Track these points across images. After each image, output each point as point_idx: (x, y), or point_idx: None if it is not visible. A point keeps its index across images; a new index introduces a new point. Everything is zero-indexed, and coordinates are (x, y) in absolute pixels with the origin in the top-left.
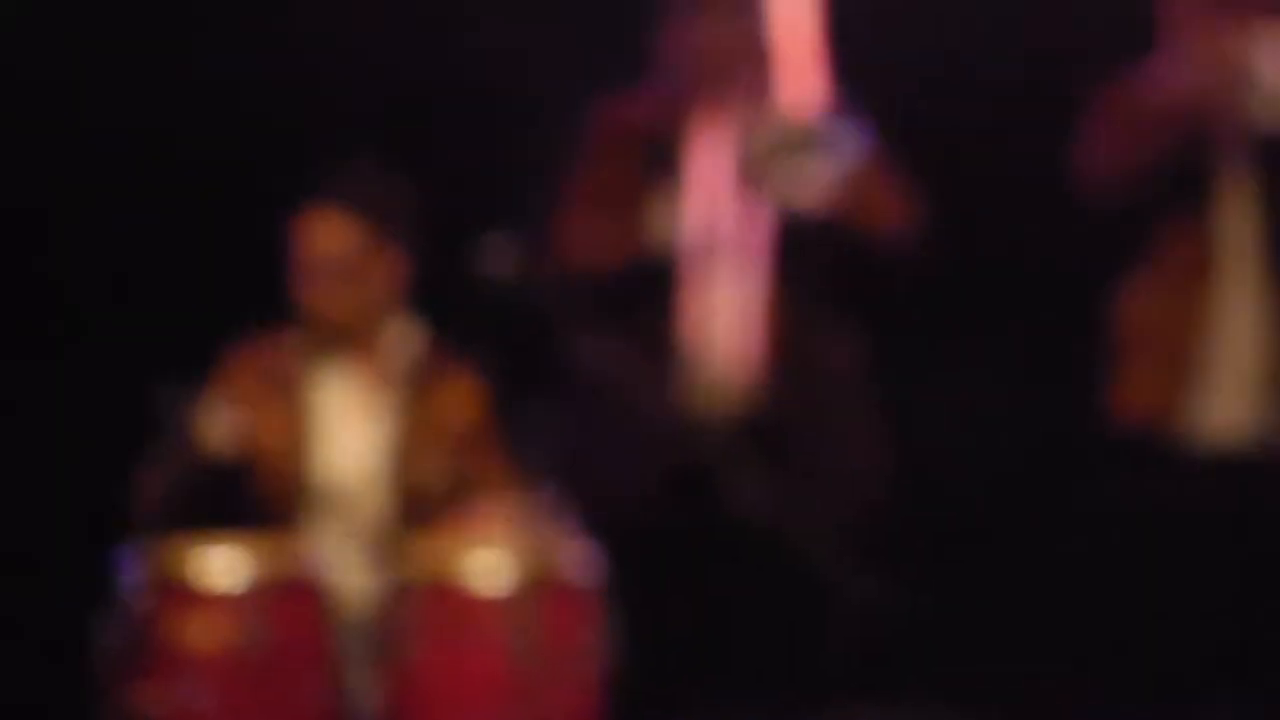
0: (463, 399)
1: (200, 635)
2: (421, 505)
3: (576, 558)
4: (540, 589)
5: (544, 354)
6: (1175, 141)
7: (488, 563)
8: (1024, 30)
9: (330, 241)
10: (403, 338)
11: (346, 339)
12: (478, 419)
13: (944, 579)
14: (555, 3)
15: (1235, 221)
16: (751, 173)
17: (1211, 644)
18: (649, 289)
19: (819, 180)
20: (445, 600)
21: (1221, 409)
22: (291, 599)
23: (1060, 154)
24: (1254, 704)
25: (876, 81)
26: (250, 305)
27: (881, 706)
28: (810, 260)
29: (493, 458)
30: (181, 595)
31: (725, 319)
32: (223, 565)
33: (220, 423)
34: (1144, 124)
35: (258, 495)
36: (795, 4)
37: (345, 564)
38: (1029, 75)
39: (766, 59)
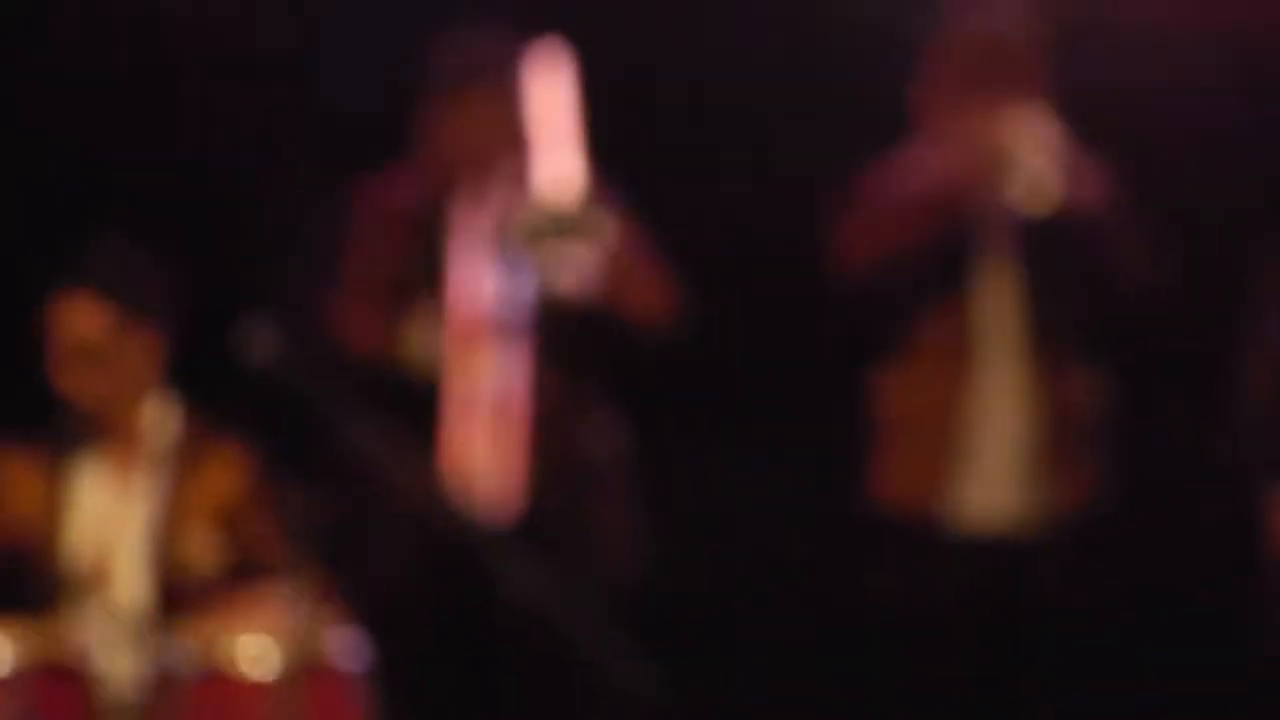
0: (226, 475)
1: None
2: (185, 587)
3: (342, 643)
4: (307, 674)
5: (308, 438)
6: (933, 227)
7: (255, 648)
8: (784, 113)
9: (81, 326)
10: (161, 418)
11: (104, 422)
12: (244, 494)
13: (708, 662)
14: (315, 84)
15: (995, 305)
16: (512, 257)
17: None
18: (417, 380)
19: (578, 264)
20: (211, 686)
21: (983, 493)
22: (56, 684)
23: (821, 238)
24: None
25: (634, 166)
26: (12, 394)
27: None
28: (571, 345)
29: (263, 533)
30: None
31: (490, 405)
32: None
33: None
34: (901, 210)
35: (21, 581)
36: (554, 90)
37: (109, 648)
38: (791, 159)
39: (526, 144)
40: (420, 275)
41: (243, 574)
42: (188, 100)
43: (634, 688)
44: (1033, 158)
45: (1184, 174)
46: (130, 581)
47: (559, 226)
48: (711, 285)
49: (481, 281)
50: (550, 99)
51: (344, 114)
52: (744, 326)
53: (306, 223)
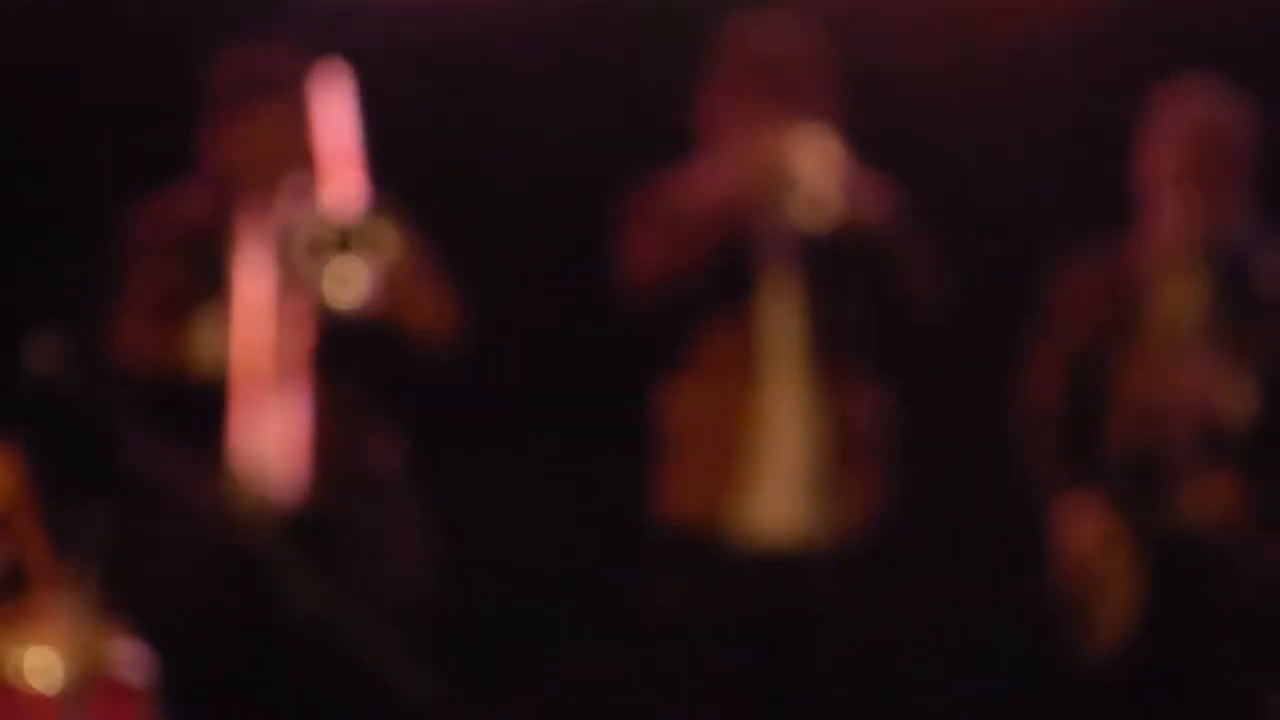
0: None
1: None
2: None
3: (127, 655)
4: (91, 686)
5: (93, 453)
6: (715, 242)
7: (38, 660)
8: (567, 128)
9: None
10: None
11: None
12: (17, 506)
13: (492, 674)
14: (108, 100)
15: (778, 321)
16: (291, 273)
17: None
18: (201, 392)
19: (359, 278)
20: None
21: (768, 508)
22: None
23: (605, 253)
24: None
25: (416, 183)
26: None
27: None
28: (352, 358)
29: (35, 539)
30: None
31: (273, 421)
32: None
33: None
34: (683, 226)
35: None
36: (336, 107)
37: None
38: (575, 174)
39: (310, 158)
40: (203, 287)
41: (15, 580)
42: None
43: (418, 698)
44: (813, 175)
45: (971, 191)
46: None
47: (340, 241)
48: (495, 300)
49: (265, 293)
50: (332, 116)
51: (131, 130)
52: (528, 341)
53: (97, 239)
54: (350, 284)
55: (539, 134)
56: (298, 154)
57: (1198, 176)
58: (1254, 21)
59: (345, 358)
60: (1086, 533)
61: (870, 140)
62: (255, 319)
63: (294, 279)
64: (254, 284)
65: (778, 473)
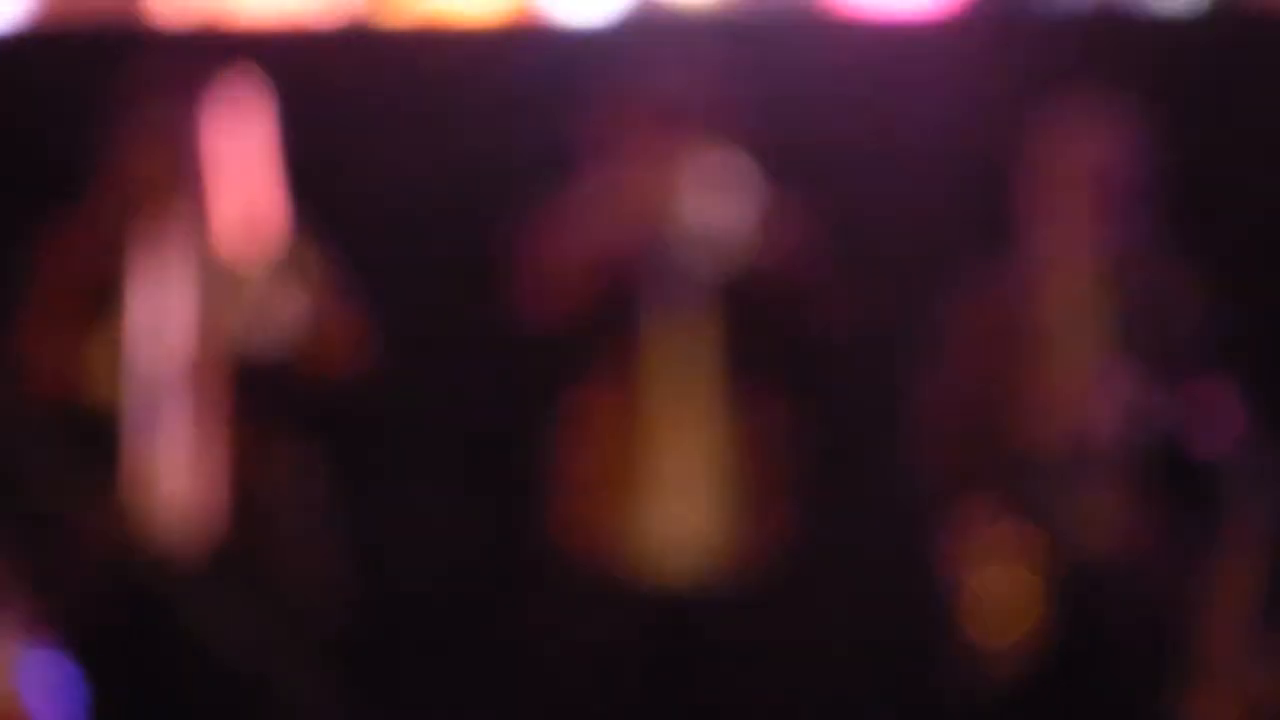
0: None
1: None
2: None
3: (45, 674)
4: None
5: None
6: (606, 279)
7: None
8: (475, 167)
9: None
10: None
11: None
12: None
13: (398, 698)
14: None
15: (668, 353)
16: (199, 291)
17: None
18: (101, 416)
19: (269, 299)
20: None
21: (664, 533)
22: None
23: (507, 291)
24: None
25: (329, 221)
26: None
27: None
28: (264, 388)
29: None
30: None
31: (177, 451)
32: None
33: None
34: (581, 262)
35: None
36: (247, 135)
37: None
38: (482, 213)
39: (207, 183)
40: (102, 312)
41: None
42: None
43: (321, 712)
44: (698, 216)
45: (870, 221)
46: None
47: (250, 265)
48: (401, 335)
49: (168, 320)
50: (243, 144)
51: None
52: (437, 371)
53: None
54: (259, 311)
55: (452, 172)
56: (193, 177)
57: (1082, 204)
58: (1137, 51)
59: (253, 383)
60: (980, 545)
61: (774, 173)
62: (160, 347)
63: (205, 305)
64: (155, 308)
65: (673, 500)
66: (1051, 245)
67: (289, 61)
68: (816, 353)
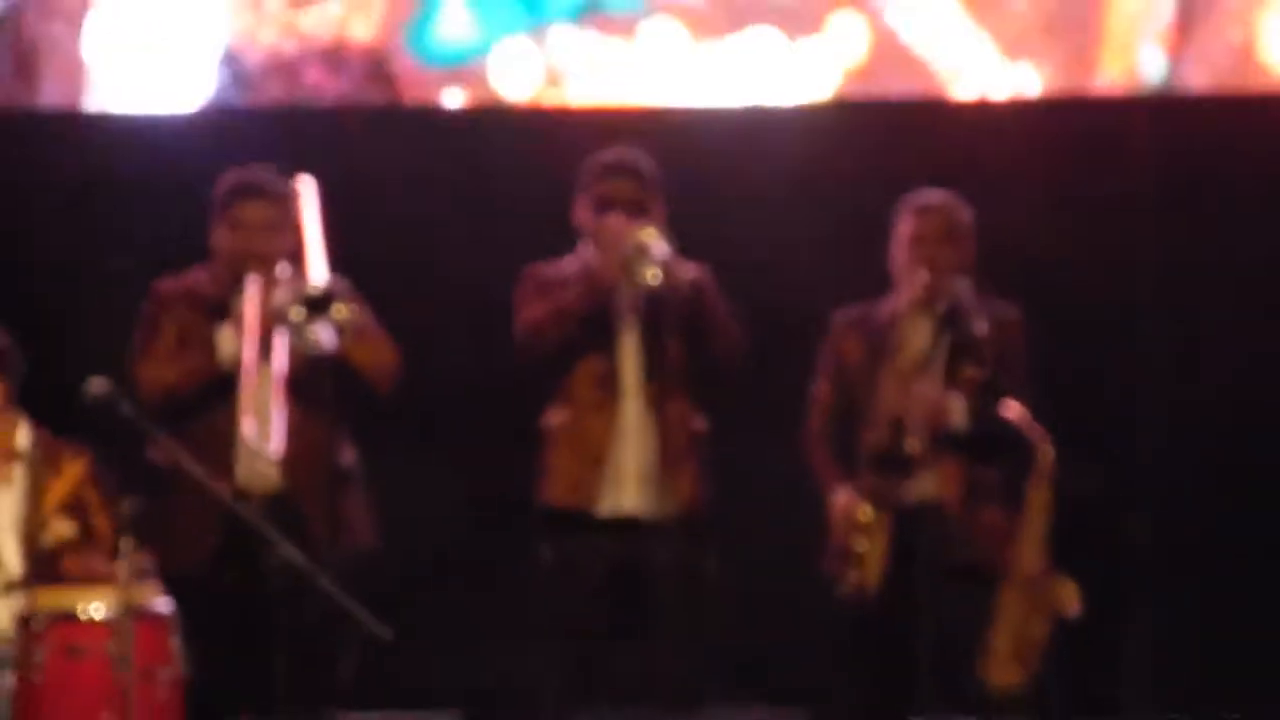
0: (72, 474)
1: None
2: (48, 556)
3: (158, 597)
4: (133, 618)
5: (133, 451)
6: (583, 303)
7: (97, 599)
8: (476, 227)
9: None
10: (21, 436)
11: None
12: (86, 487)
13: (420, 617)
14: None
15: (627, 355)
16: (278, 320)
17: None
18: (210, 405)
19: (326, 331)
20: (62, 626)
21: (619, 493)
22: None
23: (508, 311)
24: None
25: (364, 268)
26: None
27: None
28: (320, 387)
29: (100, 518)
30: None
31: (265, 426)
32: None
33: None
34: (562, 288)
35: None
36: (307, 209)
37: None
38: (488, 260)
39: (288, 245)
40: (220, 328)
41: (87, 545)
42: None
43: (366, 633)
44: (653, 252)
45: (768, 268)
46: (8, 554)
47: (313, 304)
48: (426, 345)
49: (260, 337)
50: (306, 215)
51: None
52: (453, 376)
53: (127, 304)
54: (320, 335)
55: (458, 230)
56: (281, 241)
57: (927, 256)
58: (974, 145)
59: (315, 385)
60: (849, 510)
61: (690, 234)
62: (254, 349)
63: (282, 330)
64: (253, 325)
65: (626, 468)
66: (906, 286)
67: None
68: (724, 358)
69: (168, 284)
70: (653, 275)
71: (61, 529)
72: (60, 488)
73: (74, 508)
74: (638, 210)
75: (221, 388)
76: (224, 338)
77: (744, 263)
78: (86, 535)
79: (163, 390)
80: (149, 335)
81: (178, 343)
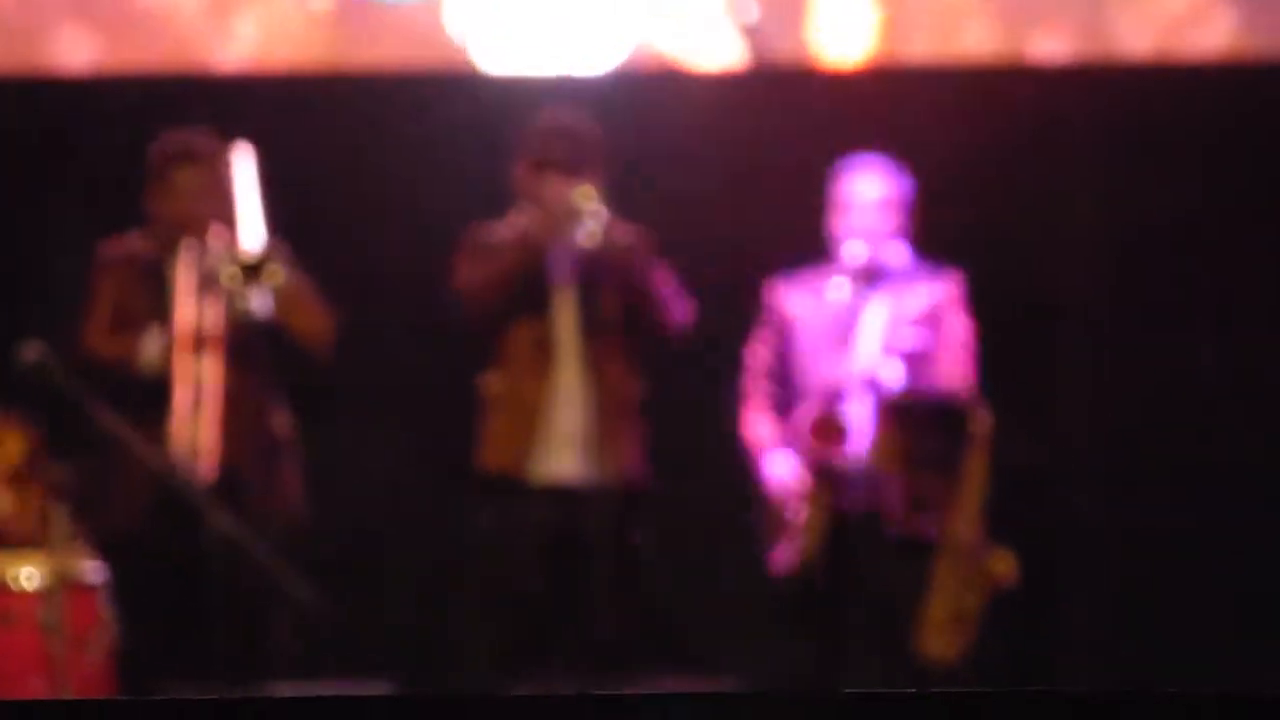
0: (12, 444)
1: None
2: None
3: (90, 565)
4: (65, 586)
5: (72, 419)
6: (519, 264)
7: (28, 568)
8: (421, 189)
9: None
10: None
11: None
12: (26, 457)
13: (355, 584)
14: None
15: (563, 319)
16: (212, 285)
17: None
18: (145, 379)
19: (259, 297)
20: None
21: (556, 458)
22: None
23: (445, 275)
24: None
25: (300, 233)
26: None
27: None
28: (256, 353)
29: (36, 486)
30: None
31: (199, 394)
32: None
33: None
34: (498, 250)
35: None
36: (244, 168)
37: None
38: (423, 220)
39: (222, 210)
40: (148, 304)
41: (27, 514)
42: None
43: (302, 601)
44: (589, 214)
45: (715, 232)
46: None
47: (247, 269)
48: (362, 311)
49: (194, 308)
50: (241, 180)
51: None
52: (387, 341)
53: (71, 268)
54: (254, 301)
55: (398, 190)
56: (215, 207)
57: (862, 222)
58: (912, 115)
59: (251, 352)
60: (786, 478)
61: (631, 195)
62: (188, 326)
63: (216, 297)
64: (186, 301)
65: (563, 432)
66: (843, 253)
67: (276, 110)
68: (660, 321)
69: (109, 247)
70: (588, 236)
71: (2, 503)
72: (1, 461)
73: (15, 477)
74: (574, 172)
75: (149, 380)
76: (148, 343)
77: (684, 227)
78: (23, 508)
79: (100, 363)
80: (93, 302)
81: (118, 311)
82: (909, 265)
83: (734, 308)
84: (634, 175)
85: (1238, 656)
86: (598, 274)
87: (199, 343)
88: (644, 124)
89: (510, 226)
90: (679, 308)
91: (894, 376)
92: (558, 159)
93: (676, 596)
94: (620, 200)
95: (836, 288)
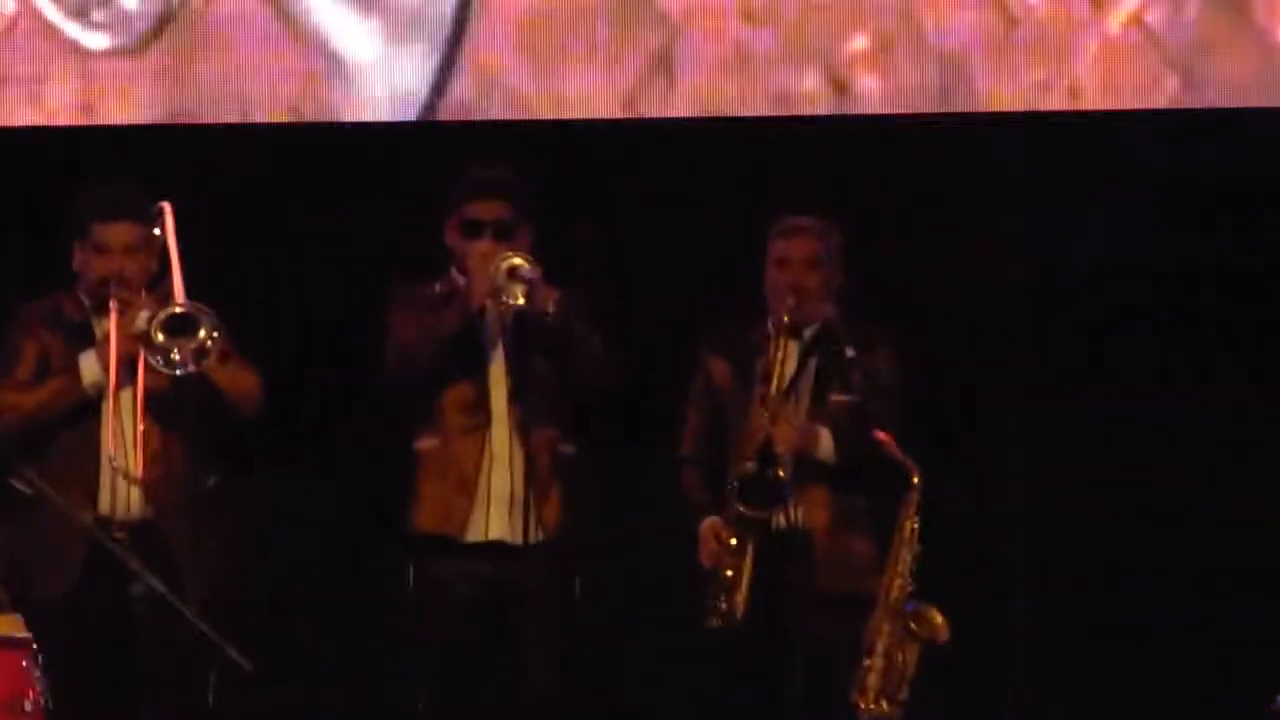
0: None
1: None
2: None
3: (18, 626)
4: None
5: None
6: (456, 324)
7: None
8: (350, 248)
9: None
10: None
11: None
12: None
13: (285, 641)
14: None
15: (498, 380)
16: (141, 343)
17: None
18: (71, 430)
19: (184, 356)
20: None
21: (488, 516)
22: None
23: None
24: None
25: (229, 292)
26: None
27: None
28: (184, 409)
29: None
30: None
31: (129, 451)
32: None
33: None
34: (431, 312)
35: None
36: (169, 224)
37: None
38: (356, 282)
39: (154, 262)
40: (69, 363)
41: None
42: None
43: (229, 662)
44: (520, 279)
45: (644, 293)
46: None
47: (175, 326)
48: (293, 367)
49: (123, 364)
50: (168, 237)
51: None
52: (315, 399)
53: None
54: (182, 358)
55: (330, 254)
56: (143, 263)
57: (794, 280)
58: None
59: (179, 410)
60: (719, 536)
61: (561, 254)
62: (115, 381)
63: (144, 353)
64: (115, 347)
65: (495, 492)
66: (775, 312)
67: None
68: (589, 385)
69: (30, 307)
70: (520, 296)
71: None
72: None
73: None
74: (506, 233)
75: (80, 414)
76: (87, 363)
77: (616, 283)
78: None
79: (19, 418)
80: (9, 359)
81: (39, 367)
82: (838, 322)
83: (668, 363)
84: (565, 233)
85: (1181, 708)
86: (529, 335)
87: (128, 401)
88: (572, 172)
89: (443, 287)
90: (606, 365)
91: (824, 435)
92: (489, 220)
93: (609, 652)
94: (550, 258)
95: (768, 345)
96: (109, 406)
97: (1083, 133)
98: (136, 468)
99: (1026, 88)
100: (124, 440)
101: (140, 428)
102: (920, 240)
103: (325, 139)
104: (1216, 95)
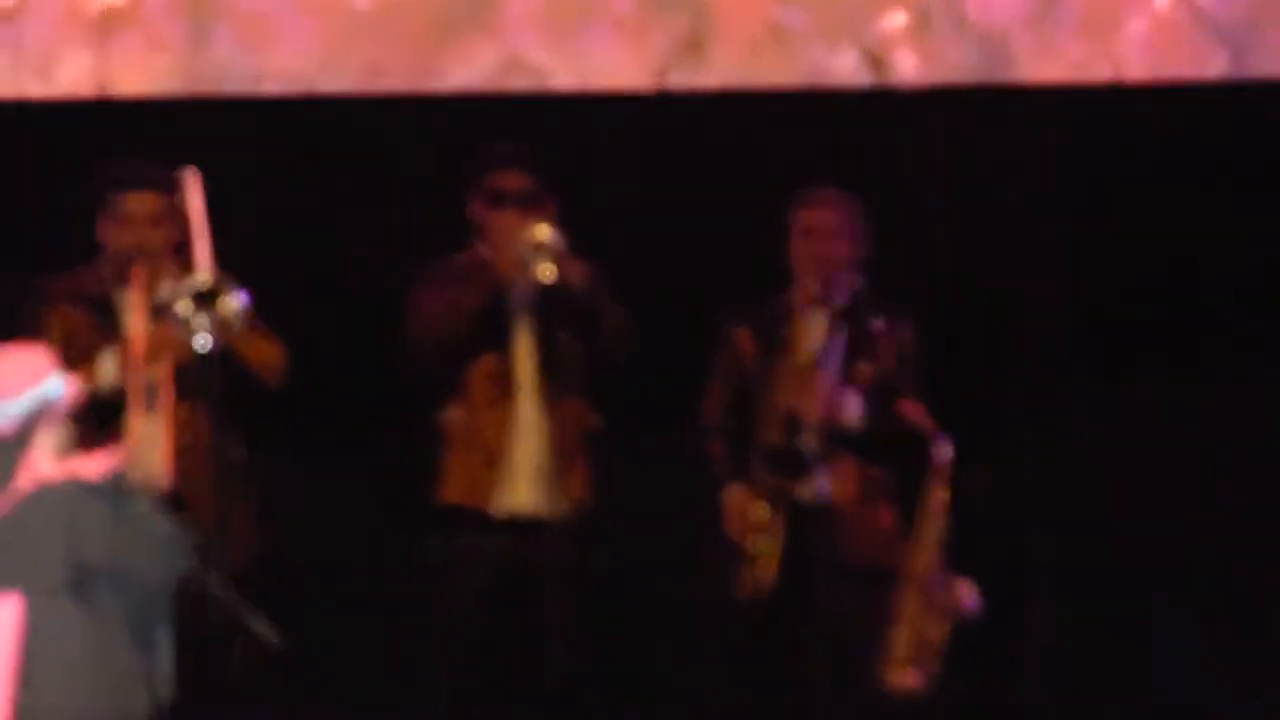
0: None
1: None
2: None
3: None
4: None
5: None
6: (481, 297)
7: None
8: (375, 226)
9: None
10: None
11: None
12: None
13: (312, 613)
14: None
15: (524, 353)
16: (164, 315)
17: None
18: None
19: (214, 326)
20: None
21: (515, 490)
22: None
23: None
24: None
25: (254, 262)
26: None
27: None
28: (208, 381)
29: None
30: None
31: (151, 427)
32: None
33: None
34: (456, 286)
35: None
36: (194, 194)
37: None
38: (382, 258)
39: (178, 232)
40: (97, 340)
41: None
42: None
43: (256, 635)
44: (547, 249)
45: (669, 265)
46: None
47: (200, 298)
48: (320, 339)
49: (147, 336)
50: (192, 207)
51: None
52: (345, 370)
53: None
54: (207, 330)
55: (355, 225)
56: (167, 234)
57: (820, 252)
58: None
59: (204, 383)
60: (743, 509)
61: (590, 232)
62: (140, 355)
63: (169, 326)
64: (138, 330)
65: (522, 465)
66: (801, 285)
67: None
68: (613, 356)
69: (52, 281)
70: (547, 271)
71: None
72: None
73: None
74: (530, 204)
75: (101, 407)
76: (104, 362)
77: (641, 256)
78: None
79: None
80: (34, 336)
81: (63, 345)
82: (865, 293)
83: (692, 339)
84: (589, 205)
85: (1203, 686)
86: (555, 308)
87: (152, 371)
88: (600, 152)
89: (468, 261)
90: (629, 337)
91: (852, 406)
92: (513, 192)
93: (634, 627)
94: (574, 230)
95: (794, 316)
96: (133, 398)
97: (1127, 108)
98: (164, 436)
99: (1069, 64)
100: (152, 409)
101: (166, 399)
102: (948, 211)
103: (352, 110)
104: (1267, 69)
